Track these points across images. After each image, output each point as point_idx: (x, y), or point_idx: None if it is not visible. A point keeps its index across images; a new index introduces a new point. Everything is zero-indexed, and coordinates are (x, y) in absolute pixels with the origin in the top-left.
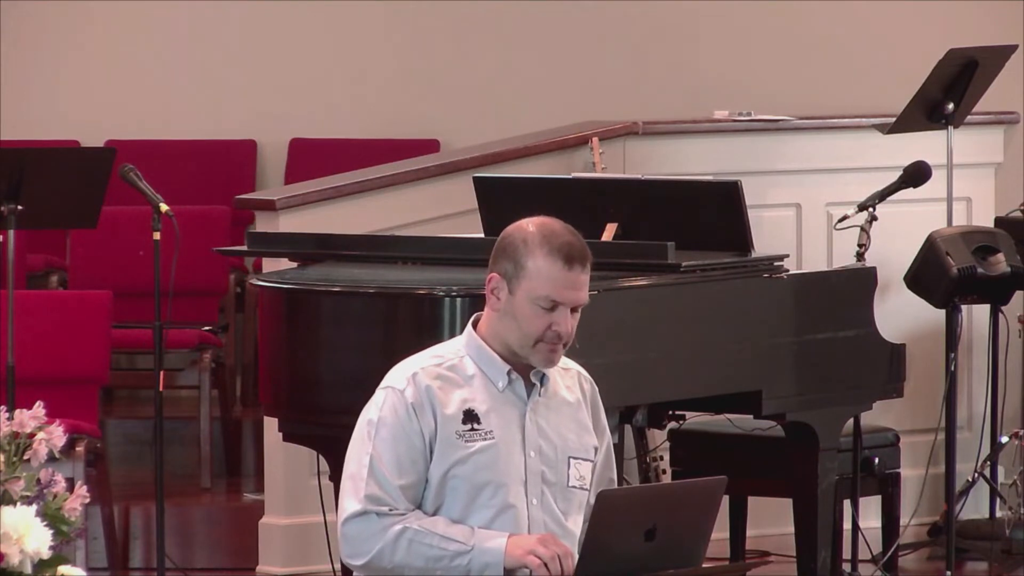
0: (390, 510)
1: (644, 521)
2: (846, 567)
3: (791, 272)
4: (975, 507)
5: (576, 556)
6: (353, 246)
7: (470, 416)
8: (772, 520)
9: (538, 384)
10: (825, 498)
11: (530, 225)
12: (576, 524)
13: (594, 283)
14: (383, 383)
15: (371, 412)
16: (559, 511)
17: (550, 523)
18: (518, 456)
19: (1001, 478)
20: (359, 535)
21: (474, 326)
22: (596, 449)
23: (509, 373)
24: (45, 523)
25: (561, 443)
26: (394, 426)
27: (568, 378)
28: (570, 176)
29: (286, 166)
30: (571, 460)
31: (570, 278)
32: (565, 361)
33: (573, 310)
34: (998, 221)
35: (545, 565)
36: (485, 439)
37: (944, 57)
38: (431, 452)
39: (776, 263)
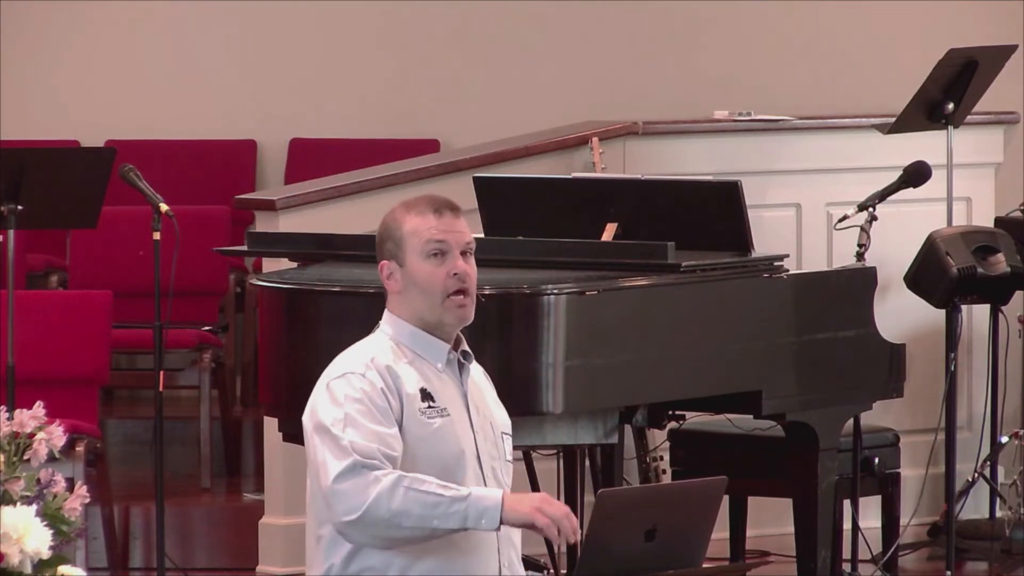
0: (380, 462)
1: (644, 521)
2: (846, 567)
3: (791, 272)
4: (975, 507)
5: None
6: (353, 246)
7: (426, 394)
8: (772, 520)
9: (467, 363)
10: (825, 498)
11: (394, 206)
12: None
13: (594, 283)
14: (335, 372)
15: (335, 402)
16: (505, 485)
17: None
18: (469, 432)
19: (1001, 478)
20: (352, 489)
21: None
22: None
23: (448, 352)
24: (45, 523)
25: (492, 419)
26: (369, 402)
27: (474, 362)
28: (570, 176)
29: (286, 166)
30: (504, 436)
31: (444, 223)
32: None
33: (465, 255)
34: (998, 221)
35: (555, 525)
36: (442, 416)
37: (944, 57)
38: (399, 428)
39: (776, 263)
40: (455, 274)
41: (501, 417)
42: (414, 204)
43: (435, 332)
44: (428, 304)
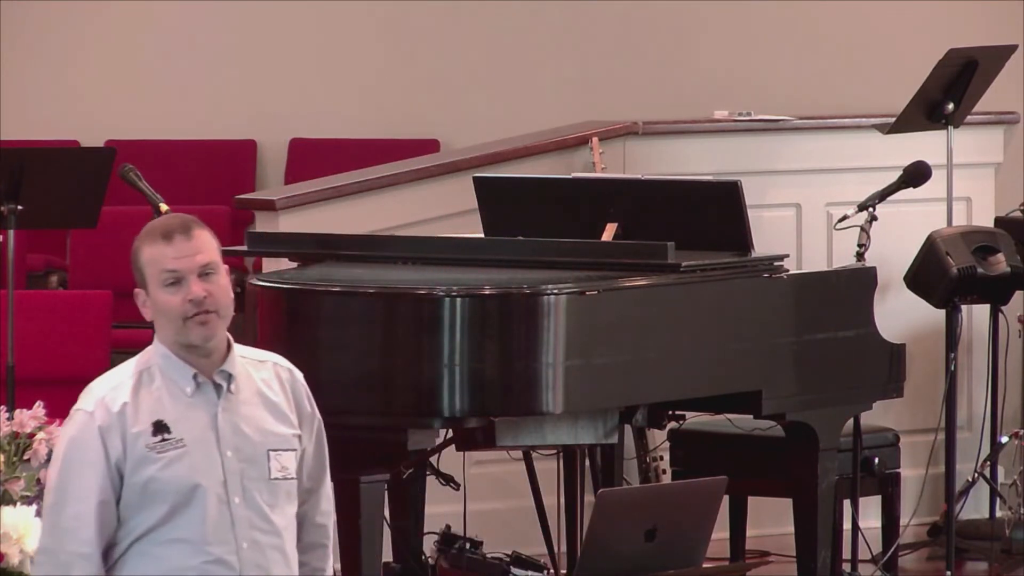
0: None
1: (644, 521)
2: (846, 567)
3: (791, 272)
4: (975, 507)
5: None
6: (353, 246)
7: (160, 427)
8: (772, 520)
9: (224, 384)
10: (825, 498)
11: (140, 232)
12: (284, 515)
13: (594, 283)
14: (77, 404)
15: (66, 435)
16: (264, 505)
17: (255, 519)
18: (215, 458)
19: (1001, 478)
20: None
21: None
22: (300, 437)
23: (196, 377)
24: None
25: (259, 438)
26: (83, 449)
27: (263, 371)
28: (570, 176)
29: (286, 166)
30: (271, 453)
31: (175, 250)
32: (260, 353)
33: (206, 276)
34: (998, 221)
35: None
36: (177, 447)
37: (944, 57)
38: (120, 473)
39: (776, 263)
40: (191, 300)
41: (276, 433)
42: (148, 232)
43: (190, 354)
44: (174, 329)
